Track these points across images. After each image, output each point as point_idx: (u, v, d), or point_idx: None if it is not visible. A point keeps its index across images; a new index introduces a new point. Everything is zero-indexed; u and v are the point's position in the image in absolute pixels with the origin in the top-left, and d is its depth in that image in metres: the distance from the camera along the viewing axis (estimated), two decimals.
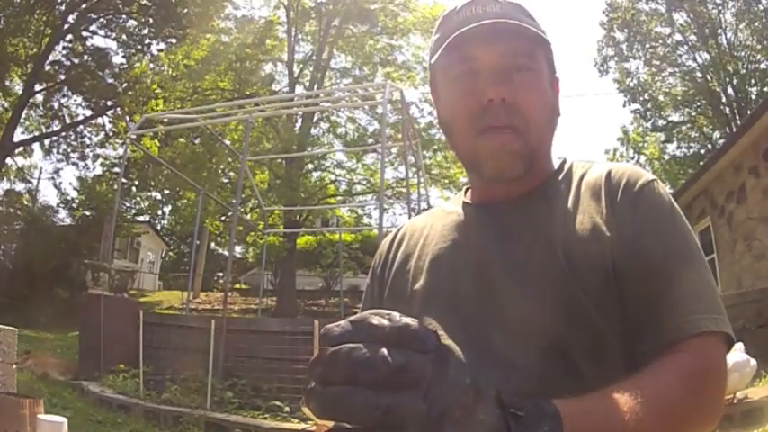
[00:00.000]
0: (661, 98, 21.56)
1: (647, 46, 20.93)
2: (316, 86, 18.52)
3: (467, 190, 0.96)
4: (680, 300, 0.72)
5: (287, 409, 6.31)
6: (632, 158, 22.75)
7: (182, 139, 17.40)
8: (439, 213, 0.97)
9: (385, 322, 0.50)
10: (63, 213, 21.32)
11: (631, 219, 0.78)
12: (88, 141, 19.80)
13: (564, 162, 0.91)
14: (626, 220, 0.78)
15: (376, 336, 0.49)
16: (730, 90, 19.53)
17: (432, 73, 0.91)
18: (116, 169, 19.00)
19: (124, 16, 17.86)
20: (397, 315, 0.51)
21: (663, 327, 0.71)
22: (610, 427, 0.62)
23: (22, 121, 18.20)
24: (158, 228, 26.91)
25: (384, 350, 0.48)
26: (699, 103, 20.84)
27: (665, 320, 0.72)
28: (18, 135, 17.97)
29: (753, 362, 4.33)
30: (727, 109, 19.61)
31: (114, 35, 18.20)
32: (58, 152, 19.94)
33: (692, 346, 0.70)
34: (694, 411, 0.68)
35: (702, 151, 20.52)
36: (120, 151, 16.41)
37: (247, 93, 17.90)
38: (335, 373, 0.48)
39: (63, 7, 16.94)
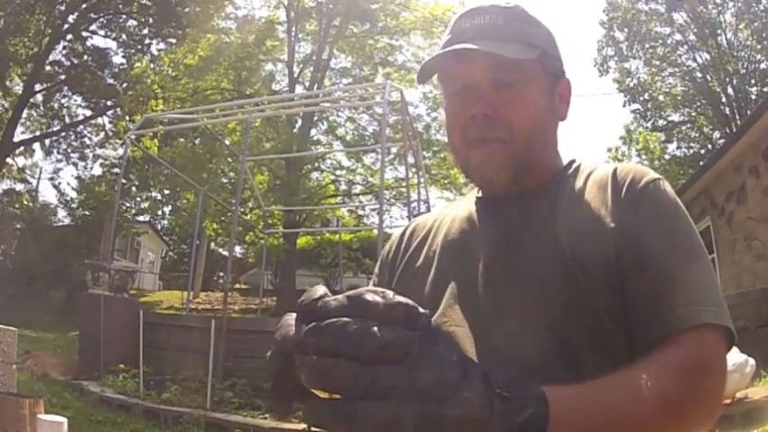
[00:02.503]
0: (661, 98, 21.56)
1: (647, 46, 20.93)
2: (316, 86, 18.52)
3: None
4: (681, 292, 0.73)
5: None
6: (636, 156, 22.75)
7: (182, 139, 17.41)
8: (451, 207, 1.01)
9: (378, 299, 0.53)
10: (62, 213, 21.35)
11: (635, 213, 0.79)
12: (88, 141, 19.83)
13: (572, 161, 0.93)
14: (629, 215, 0.79)
15: (369, 312, 0.53)
16: (730, 90, 19.53)
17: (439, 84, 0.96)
18: (116, 169, 19.00)
19: (124, 16, 17.86)
20: (390, 293, 0.55)
21: (663, 318, 0.72)
22: (598, 414, 0.62)
23: (22, 120, 18.22)
24: (158, 228, 26.91)
25: (374, 326, 0.51)
26: (699, 103, 20.84)
27: (665, 312, 0.72)
28: (18, 135, 18.00)
29: (752, 362, 4.33)
30: (727, 109, 19.61)
31: (114, 35, 18.22)
32: (58, 152, 19.97)
33: (691, 339, 0.70)
34: (690, 404, 0.68)
35: (702, 151, 20.53)
36: (120, 151, 16.42)
37: (247, 93, 17.92)
38: (327, 345, 0.51)
39: (63, 7, 16.94)
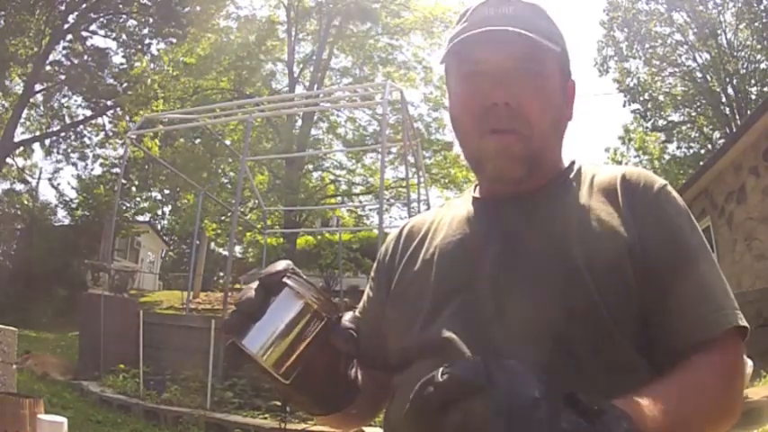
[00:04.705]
0: (661, 98, 21.55)
1: (647, 46, 20.93)
2: (316, 86, 18.53)
3: (476, 186, 0.97)
4: (708, 298, 0.76)
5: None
6: (635, 157, 22.75)
7: (182, 139, 17.42)
8: (447, 208, 0.98)
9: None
10: (62, 213, 21.36)
11: (653, 221, 0.80)
12: (88, 141, 19.83)
13: (573, 163, 0.92)
14: (648, 223, 0.80)
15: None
16: (730, 90, 19.53)
17: (444, 70, 0.92)
18: (116, 169, 19.00)
19: (124, 16, 17.86)
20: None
21: (696, 324, 0.74)
22: (669, 426, 0.64)
23: (22, 120, 18.22)
24: (158, 228, 26.91)
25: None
26: (699, 103, 20.84)
27: (697, 318, 0.74)
28: (18, 135, 18.00)
29: (750, 363, 4.35)
30: (727, 109, 19.61)
31: (114, 35, 18.21)
32: (58, 152, 19.98)
33: (721, 344, 0.73)
34: (728, 409, 0.72)
35: (702, 151, 20.53)
36: (120, 151, 16.42)
37: (247, 92, 17.92)
38: None
39: (63, 7, 16.93)
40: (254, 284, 0.72)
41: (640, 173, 0.86)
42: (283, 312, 0.70)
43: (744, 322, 0.76)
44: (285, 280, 0.71)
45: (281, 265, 0.73)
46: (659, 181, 0.85)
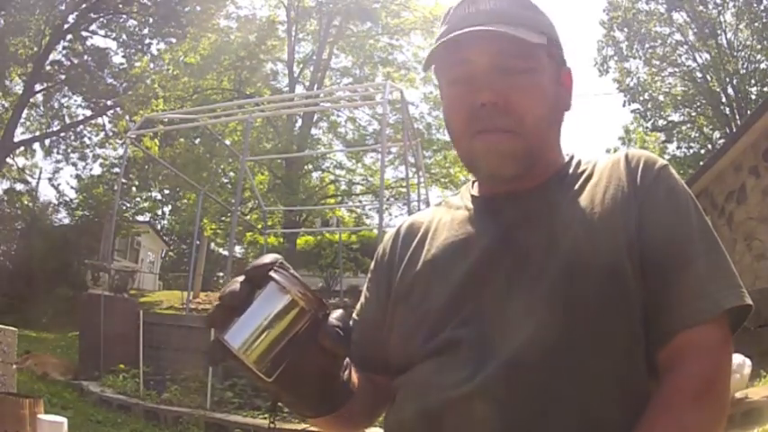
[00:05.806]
0: (661, 98, 21.53)
1: (647, 46, 20.91)
2: (316, 86, 18.54)
3: (473, 183, 0.95)
4: (699, 285, 0.75)
5: (287, 408, 6.29)
6: None
7: (182, 139, 17.42)
8: (446, 206, 0.96)
9: None
10: (63, 213, 21.35)
11: (653, 202, 0.80)
12: (88, 141, 19.82)
13: (572, 157, 0.91)
14: (648, 204, 0.80)
15: None
16: (730, 90, 19.51)
17: (434, 73, 0.91)
18: (116, 169, 19.01)
19: (124, 16, 17.85)
20: None
21: (688, 310, 0.74)
22: None
23: (22, 120, 18.21)
24: (158, 228, 26.89)
25: None
26: (699, 103, 20.82)
27: (688, 303, 0.74)
28: (18, 135, 17.99)
29: (749, 362, 4.35)
30: (727, 109, 19.59)
31: (114, 35, 18.21)
32: (58, 152, 19.96)
33: (703, 342, 0.73)
34: (716, 420, 0.72)
35: (702, 151, 20.51)
36: (120, 151, 16.43)
37: (248, 92, 17.93)
38: None
39: (63, 7, 16.93)
40: (240, 277, 0.70)
41: (642, 153, 0.86)
42: (268, 307, 0.67)
43: (741, 300, 0.75)
44: (271, 273, 0.68)
45: (269, 258, 0.71)
46: (660, 161, 0.85)
